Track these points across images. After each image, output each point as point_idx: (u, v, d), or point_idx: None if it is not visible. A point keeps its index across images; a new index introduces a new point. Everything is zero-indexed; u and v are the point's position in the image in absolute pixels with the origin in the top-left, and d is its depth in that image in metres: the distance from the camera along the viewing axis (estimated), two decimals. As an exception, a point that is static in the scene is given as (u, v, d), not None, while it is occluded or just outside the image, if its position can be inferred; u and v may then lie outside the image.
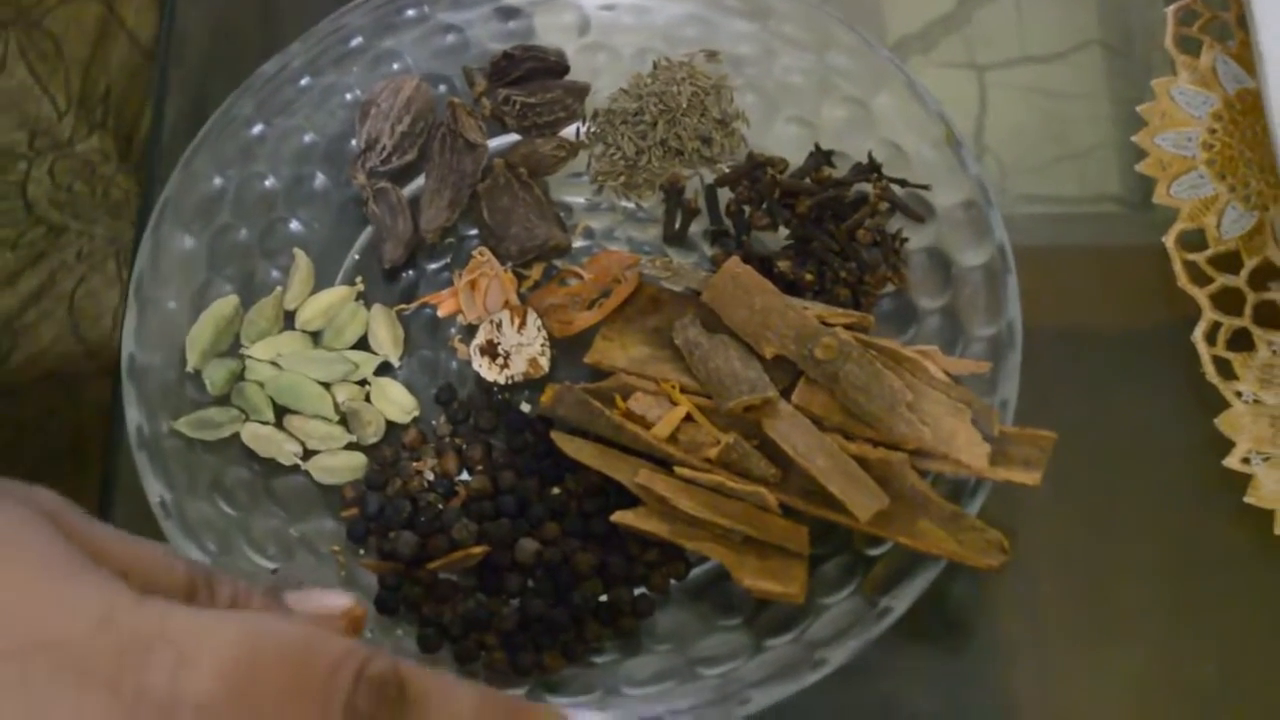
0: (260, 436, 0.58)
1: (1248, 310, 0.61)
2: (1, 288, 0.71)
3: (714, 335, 0.56)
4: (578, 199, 0.64)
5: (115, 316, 0.73)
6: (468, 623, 0.55)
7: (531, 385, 0.60)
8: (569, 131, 0.65)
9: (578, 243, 0.63)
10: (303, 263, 0.62)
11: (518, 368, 0.60)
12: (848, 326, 0.56)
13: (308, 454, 0.59)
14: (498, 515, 0.57)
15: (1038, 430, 0.55)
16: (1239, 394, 0.60)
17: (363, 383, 0.60)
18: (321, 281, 0.62)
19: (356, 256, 0.63)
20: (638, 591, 0.56)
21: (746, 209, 0.62)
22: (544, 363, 0.60)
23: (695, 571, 0.57)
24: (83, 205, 0.66)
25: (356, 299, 0.62)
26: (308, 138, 0.64)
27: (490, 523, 0.56)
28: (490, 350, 0.60)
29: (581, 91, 0.64)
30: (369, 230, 0.63)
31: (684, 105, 0.63)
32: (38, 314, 0.71)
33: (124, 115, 0.67)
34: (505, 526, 0.56)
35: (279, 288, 0.61)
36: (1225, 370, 0.60)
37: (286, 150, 0.64)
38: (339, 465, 0.58)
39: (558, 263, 0.62)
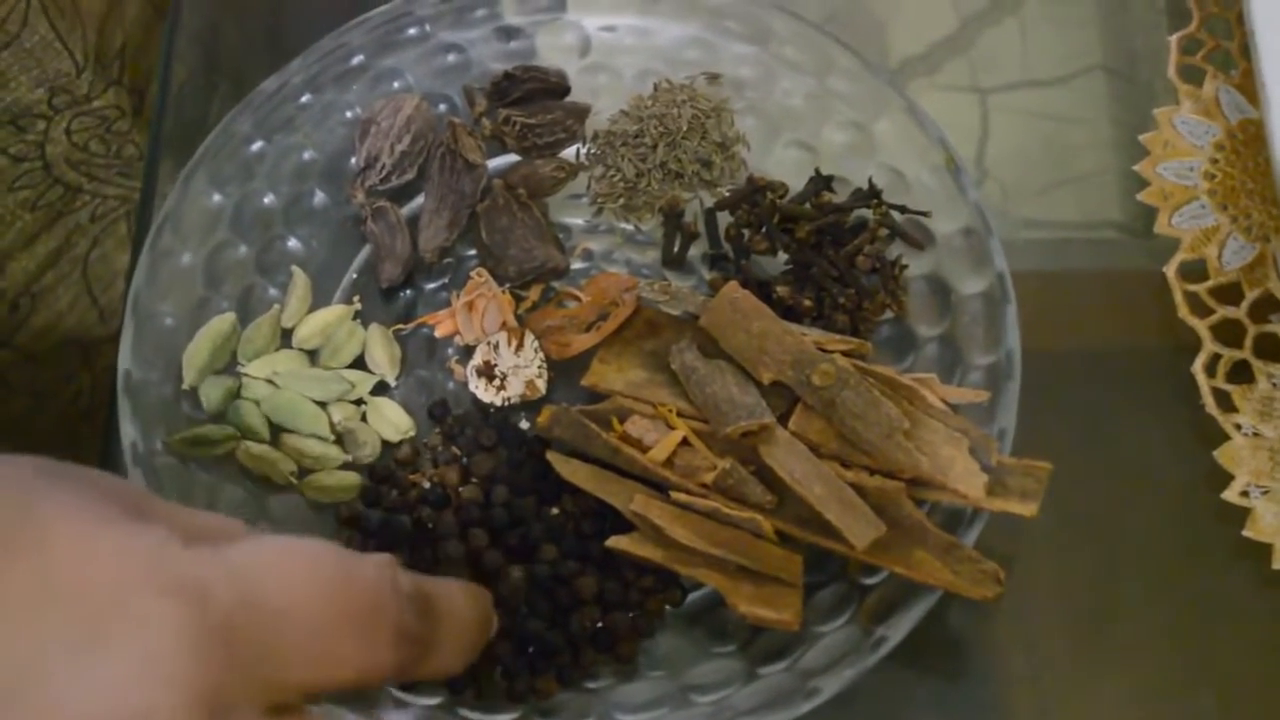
0: (255, 455, 0.58)
1: (1248, 342, 0.61)
2: (21, 250, 0.70)
3: (711, 360, 0.56)
4: (577, 221, 0.64)
5: (127, 280, 0.74)
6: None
7: (527, 407, 0.60)
8: (569, 153, 0.64)
9: (576, 264, 0.63)
10: (300, 281, 0.62)
11: (514, 389, 0.59)
12: (845, 353, 0.56)
13: (303, 473, 0.58)
14: (489, 530, 0.56)
15: (1035, 461, 0.54)
16: (1238, 426, 0.59)
17: (359, 402, 0.60)
18: (319, 300, 0.62)
19: (354, 275, 0.63)
20: (632, 616, 0.56)
21: (746, 233, 0.62)
22: (541, 385, 0.60)
23: (690, 597, 0.57)
24: (97, 165, 0.67)
25: (354, 318, 0.62)
26: (307, 155, 0.64)
27: (486, 550, 0.56)
28: (487, 372, 0.60)
29: (582, 113, 0.64)
30: (367, 249, 0.63)
31: (684, 128, 0.63)
32: (55, 277, 0.72)
33: (138, 71, 0.68)
34: (494, 556, 0.56)
35: (276, 305, 0.61)
36: (1225, 402, 0.60)
37: (286, 168, 0.63)
38: (334, 485, 0.58)
39: (556, 284, 0.62)
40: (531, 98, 0.64)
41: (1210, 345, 0.61)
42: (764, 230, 0.61)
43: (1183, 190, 0.64)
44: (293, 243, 0.63)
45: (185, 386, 0.59)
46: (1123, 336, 0.64)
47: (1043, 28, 0.70)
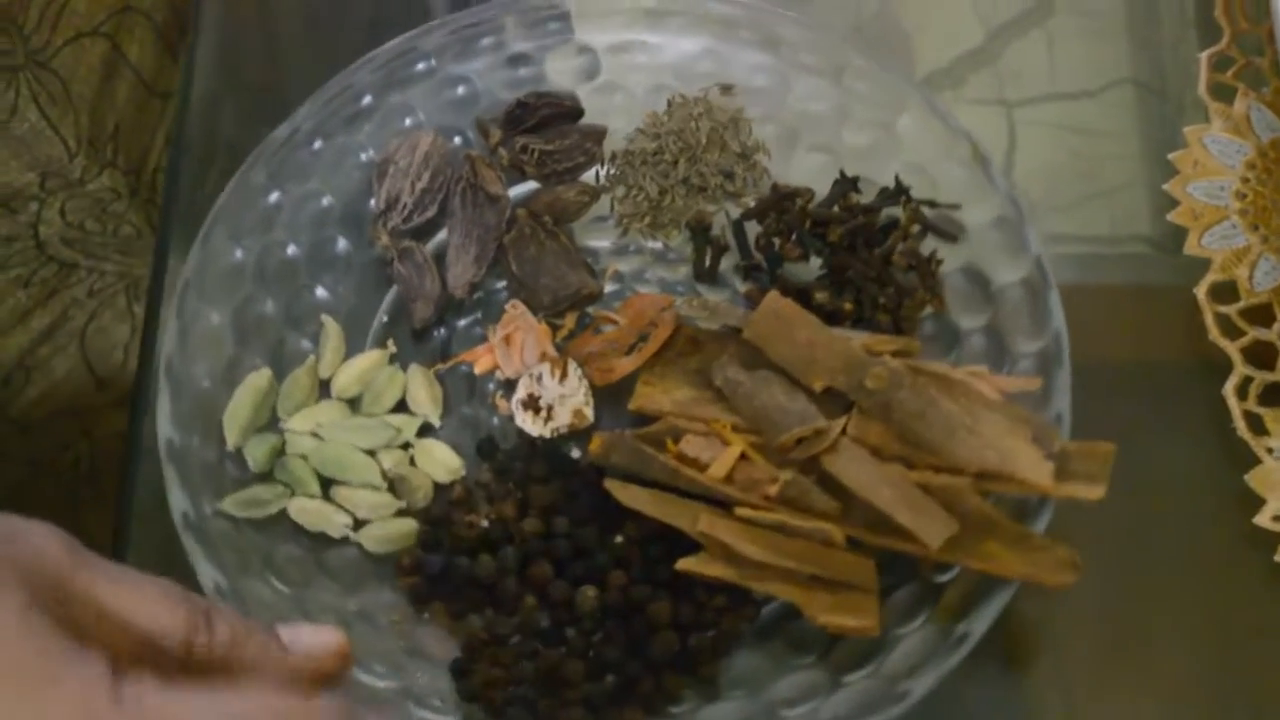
0: (308, 510, 0.57)
1: (1280, 365, 0.60)
2: (14, 326, 0.70)
3: (755, 371, 0.56)
4: (603, 243, 0.64)
5: (126, 350, 0.73)
6: (545, 683, 0.54)
7: (575, 436, 0.59)
8: (589, 176, 0.64)
9: (608, 287, 0.62)
10: (332, 329, 0.61)
11: (562, 419, 0.59)
12: (894, 353, 0.56)
13: (358, 524, 0.57)
14: (554, 563, 0.55)
15: (1096, 443, 0.54)
16: (1270, 450, 0.59)
17: (405, 446, 0.59)
18: (351, 347, 0.61)
19: (384, 318, 0.62)
20: (710, 636, 0.55)
21: (776, 241, 0.61)
22: (588, 412, 0.59)
23: (763, 611, 0.56)
24: (93, 243, 0.66)
25: (390, 361, 0.61)
26: (325, 201, 0.63)
27: (552, 582, 0.55)
28: (532, 404, 0.59)
29: (599, 135, 0.63)
30: (393, 291, 0.62)
31: (703, 141, 0.63)
32: (50, 350, 0.71)
33: (132, 152, 0.67)
34: (562, 586, 0.55)
35: (311, 357, 0.60)
36: (1256, 425, 0.59)
37: (304, 216, 0.62)
38: (391, 533, 0.57)
39: (590, 310, 0.62)
40: (547, 123, 0.63)
41: (1242, 368, 0.60)
42: (795, 237, 0.61)
43: (1213, 210, 0.63)
44: (320, 291, 0.62)
45: (229, 448, 0.58)
46: (1152, 354, 0.63)
47: (1070, 40, 0.69)
